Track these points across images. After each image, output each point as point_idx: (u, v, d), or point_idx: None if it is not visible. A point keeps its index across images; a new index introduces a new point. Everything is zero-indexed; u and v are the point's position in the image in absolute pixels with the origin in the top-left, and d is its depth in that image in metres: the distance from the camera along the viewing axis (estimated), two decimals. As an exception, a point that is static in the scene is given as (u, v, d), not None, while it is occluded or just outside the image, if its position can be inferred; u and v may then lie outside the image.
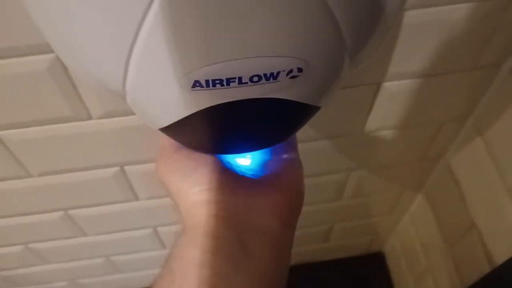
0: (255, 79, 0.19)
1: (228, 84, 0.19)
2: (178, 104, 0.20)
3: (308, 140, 0.48)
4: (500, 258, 0.50)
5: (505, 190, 0.46)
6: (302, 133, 0.45)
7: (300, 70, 0.19)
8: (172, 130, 0.23)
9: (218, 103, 0.20)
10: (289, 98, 0.21)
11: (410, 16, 0.34)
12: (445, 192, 0.60)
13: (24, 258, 0.62)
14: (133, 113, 0.38)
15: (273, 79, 0.19)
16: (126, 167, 0.46)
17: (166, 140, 0.28)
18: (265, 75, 0.19)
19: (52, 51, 0.31)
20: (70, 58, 0.20)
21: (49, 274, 0.69)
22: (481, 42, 0.38)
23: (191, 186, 0.25)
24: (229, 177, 0.26)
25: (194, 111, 0.21)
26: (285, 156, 0.29)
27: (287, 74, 0.19)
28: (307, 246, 0.82)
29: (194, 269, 0.22)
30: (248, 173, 0.28)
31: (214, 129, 0.23)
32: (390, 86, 0.41)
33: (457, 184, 0.56)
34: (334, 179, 0.58)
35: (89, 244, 0.62)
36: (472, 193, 0.54)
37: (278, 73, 0.19)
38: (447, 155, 0.57)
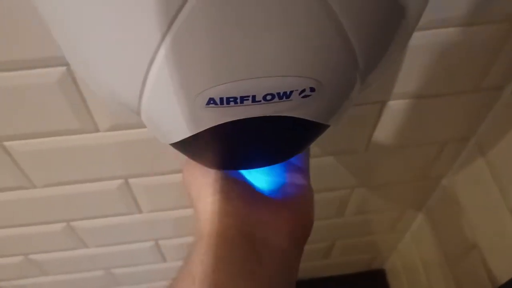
0: (268, 97, 0.19)
1: (241, 102, 0.19)
2: (191, 121, 0.21)
3: (312, 157, 0.48)
4: (502, 277, 0.49)
5: (507, 210, 0.47)
6: (306, 150, 0.45)
7: (312, 89, 0.19)
8: (184, 145, 0.23)
9: (230, 120, 0.21)
10: (300, 117, 0.21)
11: (415, 38, 0.35)
12: (447, 211, 0.60)
13: (24, 269, 0.62)
14: (139, 127, 0.39)
15: (286, 98, 0.19)
16: (130, 180, 0.46)
17: None
18: (278, 94, 0.19)
19: (62, 64, 0.32)
20: (88, 75, 0.21)
21: (47, 285, 0.69)
22: (485, 64, 0.38)
23: (209, 194, 0.27)
24: (246, 189, 0.28)
25: (207, 127, 0.21)
26: (300, 182, 0.31)
27: (300, 94, 0.19)
28: (308, 262, 0.82)
29: (212, 274, 0.24)
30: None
31: (226, 145, 0.24)
32: (394, 105, 0.42)
33: (458, 204, 0.56)
34: (336, 196, 0.58)
35: (89, 256, 0.61)
36: (474, 212, 0.54)
37: (291, 92, 0.19)
38: (449, 175, 0.57)
